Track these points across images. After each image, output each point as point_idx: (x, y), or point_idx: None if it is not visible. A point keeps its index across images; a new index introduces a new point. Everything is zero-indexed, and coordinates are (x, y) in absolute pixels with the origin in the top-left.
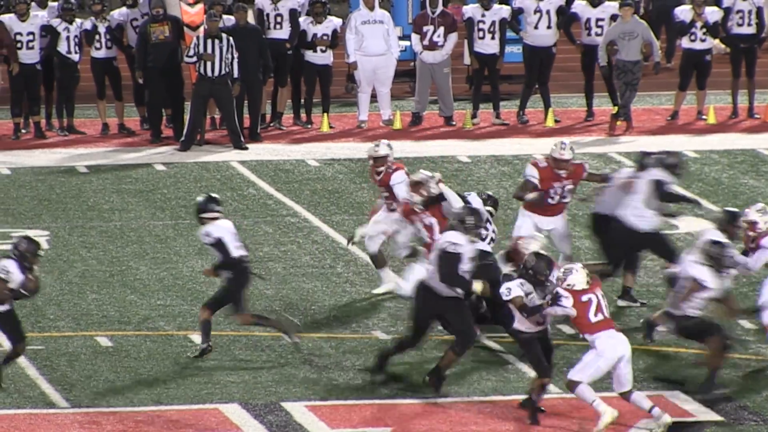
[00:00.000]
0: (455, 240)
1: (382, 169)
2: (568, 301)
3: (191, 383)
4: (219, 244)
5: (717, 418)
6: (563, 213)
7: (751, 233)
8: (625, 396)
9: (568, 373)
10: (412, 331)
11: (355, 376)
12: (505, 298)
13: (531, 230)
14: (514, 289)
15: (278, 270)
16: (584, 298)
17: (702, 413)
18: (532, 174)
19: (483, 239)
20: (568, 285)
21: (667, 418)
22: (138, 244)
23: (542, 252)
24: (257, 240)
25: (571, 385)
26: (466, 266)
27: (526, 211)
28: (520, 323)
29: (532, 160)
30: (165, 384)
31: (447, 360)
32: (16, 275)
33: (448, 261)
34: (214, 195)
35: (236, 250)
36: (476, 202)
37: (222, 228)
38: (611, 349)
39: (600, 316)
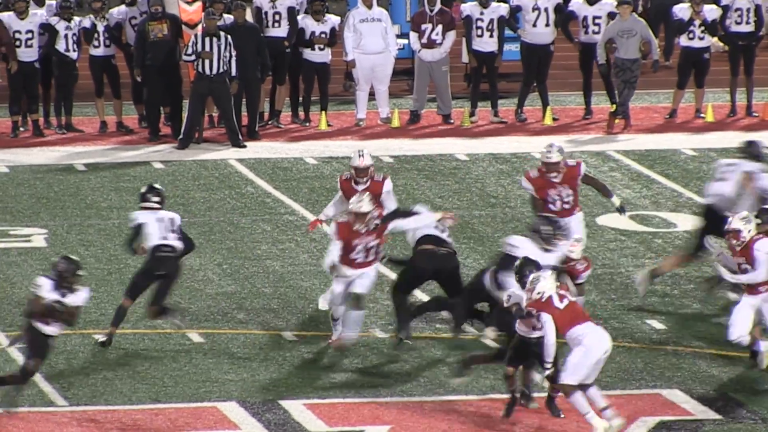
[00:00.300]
0: (516, 243)
1: (365, 179)
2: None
3: (189, 381)
4: (138, 229)
5: (715, 416)
6: (575, 215)
7: (734, 242)
8: (584, 388)
9: (561, 378)
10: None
11: (353, 374)
12: (505, 304)
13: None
14: (514, 297)
15: (276, 268)
16: (556, 302)
17: (700, 411)
18: (527, 186)
19: (552, 248)
20: (538, 293)
21: (619, 421)
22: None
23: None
24: (255, 238)
25: (567, 391)
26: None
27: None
28: (521, 324)
29: (525, 172)
30: (163, 382)
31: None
32: (46, 288)
33: (505, 262)
34: (156, 186)
35: (157, 240)
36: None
37: (147, 215)
38: (598, 342)
39: (576, 314)
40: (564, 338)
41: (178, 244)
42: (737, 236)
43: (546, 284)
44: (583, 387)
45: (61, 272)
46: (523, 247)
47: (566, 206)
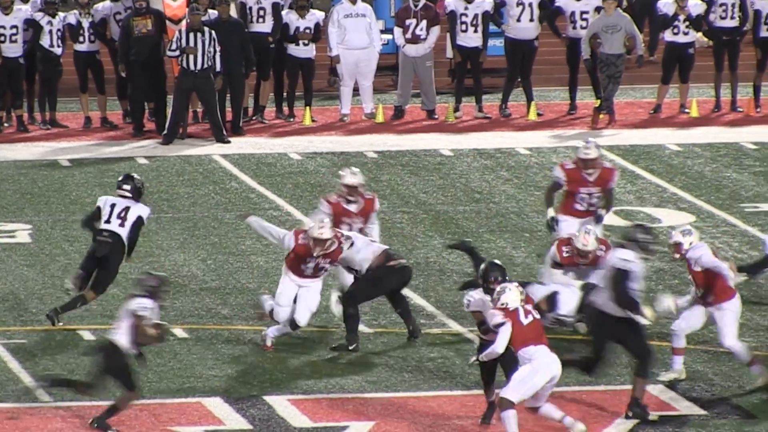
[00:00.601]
0: (626, 257)
1: (356, 197)
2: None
3: (174, 377)
4: (97, 212)
5: (700, 412)
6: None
7: (677, 255)
8: (534, 410)
9: (503, 391)
10: (594, 354)
11: (338, 369)
12: (466, 309)
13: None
14: (474, 302)
15: (260, 264)
16: (520, 316)
17: (685, 407)
18: (559, 175)
19: (650, 256)
20: (502, 304)
21: (581, 426)
22: None
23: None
24: (239, 233)
25: (504, 404)
26: (636, 284)
27: (563, 216)
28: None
29: (561, 162)
30: (147, 377)
31: (639, 388)
32: (155, 309)
33: (617, 278)
34: (132, 176)
35: (103, 223)
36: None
37: (104, 199)
38: (547, 366)
39: (535, 334)
40: (516, 354)
41: (121, 231)
42: (678, 249)
43: (511, 296)
44: (533, 410)
45: (153, 288)
46: (633, 260)
47: (591, 207)
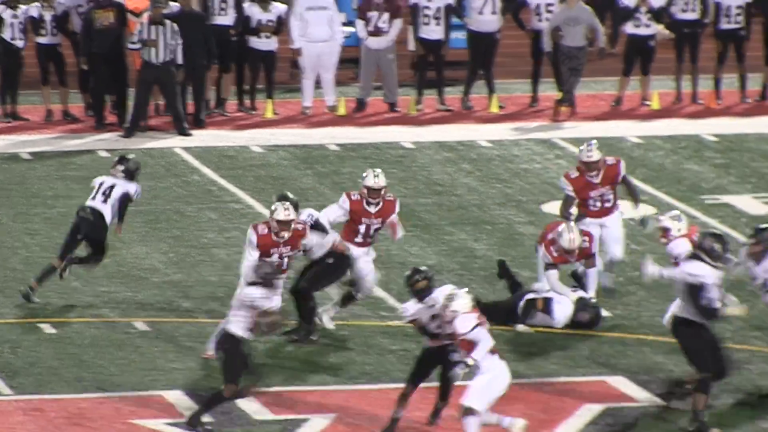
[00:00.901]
0: (695, 270)
1: (377, 199)
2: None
3: (135, 370)
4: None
5: (659, 402)
6: (613, 213)
7: (663, 240)
8: (470, 413)
9: (467, 400)
10: (713, 361)
11: (299, 362)
12: (402, 321)
13: (596, 229)
14: (410, 309)
15: (222, 256)
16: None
17: (645, 398)
18: (566, 187)
19: (723, 264)
20: (454, 311)
21: (521, 422)
22: None
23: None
24: (201, 226)
25: (468, 412)
26: (713, 293)
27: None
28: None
29: (564, 172)
30: (108, 371)
31: (702, 402)
32: (268, 297)
33: (692, 292)
34: (127, 157)
35: (89, 200)
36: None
37: (98, 179)
38: (504, 374)
39: (491, 341)
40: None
41: (104, 210)
42: (666, 234)
43: (463, 303)
44: (469, 412)
45: (264, 276)
46: (705, 273)
47: (607, 205)
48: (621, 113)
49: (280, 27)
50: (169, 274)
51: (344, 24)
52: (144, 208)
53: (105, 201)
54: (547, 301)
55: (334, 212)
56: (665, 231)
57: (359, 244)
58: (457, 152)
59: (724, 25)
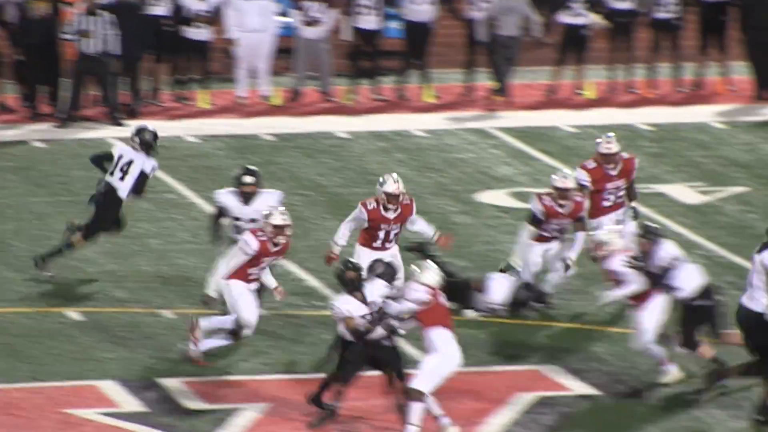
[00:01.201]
0: None
1: (395, 205)
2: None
3: (68, 360)
4: (108, 154)
5: (593, 391)
6: (621, 210)
7: (600, 253)
8: (417, 396)
9: (415, 383)
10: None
11: (232, 351)
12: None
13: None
14: (338, 310)
15: (156, 246)
16: (440, 296)
17: (578, 387)
18: (583, 178)
19: None
20: (423, 284)
21: (455, 430)
22: (16, 221)
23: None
24: (135, 216)
25: (415, 395)
26: None
27: (593, 220)
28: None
29: (581, 164)
30: (42, 361)
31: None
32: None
33: None
34: (144, 126)
35: (108, 175)
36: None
37: (118, 148)
38: (453, 356)
39: (447, 316)
40: (425, 334)
41: (119, 185)
42: (600, 248)
43: (430, 275)
44: (415, 396)
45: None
46: None
47: (619, 200)
48: (556, 102)
49: (215, 17)
50: (104, 264)
51: (279, 14)
52: (78, 199)
53: (122, 178)
54: (483, 281)
55: (354, 224)
56: (600, 245)
57: (376, 249)
58: (392, 142)
59: (659, 15)
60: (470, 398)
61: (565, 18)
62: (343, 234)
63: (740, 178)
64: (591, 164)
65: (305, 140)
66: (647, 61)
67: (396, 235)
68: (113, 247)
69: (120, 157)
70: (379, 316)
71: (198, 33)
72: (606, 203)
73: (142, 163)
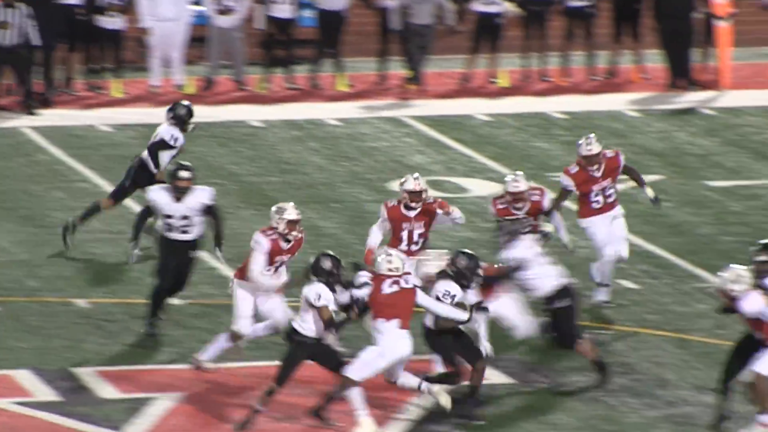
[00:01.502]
0: None
1: (418, 203)
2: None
3: None
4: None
5: (508, 380)
6: (614, 210)
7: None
8: (392, 383)
9: (347, 370)
10: None
11: (147, 341)
12: (315, 303)
13: (607, 232)
14: (325, 297)
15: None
16: (384, 283)
17: (494, 376)
18: (568, 183)
19: None
20: (394, 269)
21: (445, 397)
22: None
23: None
24: (49, 206)
25: (348, 383)
26: None
27: (584, 219)
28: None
29: (564, 168)
30: None
31: None
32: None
33: None
34: (180, 102)
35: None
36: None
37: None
38: (393, 348)
39: (394, 306)
40: (373, 322)
41: (144, 154)
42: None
43: (395, 262)
44: (392, 382)
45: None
46: None
47: (609, 200)
48: (469, 91)
49: (128, 6)
50: (17, 253)
51: (193, 3)
52: None
53: (149, 154)
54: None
55: (382, 226)
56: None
57: (404, 253)
58: (306, 131)
59: (572, 3)
60: (392, 389)
61: (478, 6)
62: (374, 236)
63: (654, 167)
64: (574, 168)
65: (219, 129)
66: (561, 50)
67: (421, 236)
68: (26, 236)
69: (156, 134)
70: (362, 308)
71: (111, 22)
72: (595, 205)
73: (164, 132)
